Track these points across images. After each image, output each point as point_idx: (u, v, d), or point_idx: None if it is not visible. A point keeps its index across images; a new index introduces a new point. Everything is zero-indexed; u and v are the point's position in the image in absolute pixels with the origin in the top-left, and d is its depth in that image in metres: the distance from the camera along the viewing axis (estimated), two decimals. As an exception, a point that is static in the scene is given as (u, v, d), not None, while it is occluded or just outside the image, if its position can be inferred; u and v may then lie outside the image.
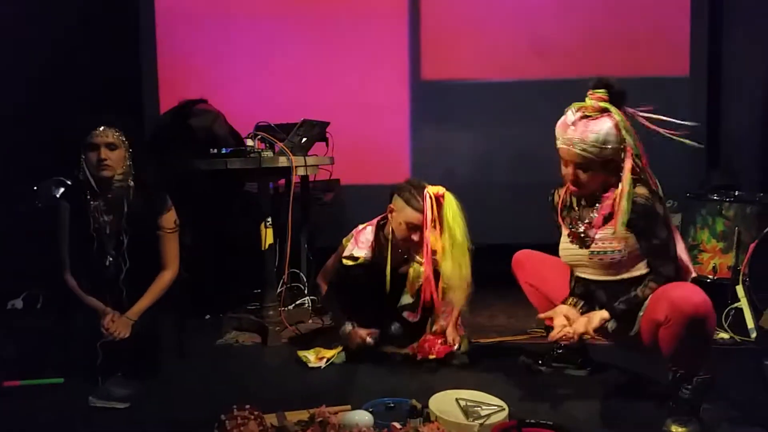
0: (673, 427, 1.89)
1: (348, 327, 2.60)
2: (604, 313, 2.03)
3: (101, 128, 2.37)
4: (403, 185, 2.57)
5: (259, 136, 2.99)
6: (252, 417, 1.77)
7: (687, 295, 1.84)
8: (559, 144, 2.05)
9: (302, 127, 3.09)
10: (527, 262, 2.46)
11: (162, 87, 4.58)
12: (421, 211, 2.46)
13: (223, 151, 2.96)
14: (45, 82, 3.86)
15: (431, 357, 2.49)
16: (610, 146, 1.98)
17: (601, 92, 2.01)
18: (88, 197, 2.42)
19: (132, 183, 2.44)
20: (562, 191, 2.25)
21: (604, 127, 1.98)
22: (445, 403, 2.03)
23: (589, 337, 2.06)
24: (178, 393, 2.32)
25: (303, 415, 1.90)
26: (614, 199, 2.02)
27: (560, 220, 2.23)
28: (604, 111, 2.00)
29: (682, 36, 4.57)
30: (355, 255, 2.58)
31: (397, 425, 1.84)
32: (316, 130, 3.24)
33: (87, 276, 2.46)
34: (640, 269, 2.06)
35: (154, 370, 2.40)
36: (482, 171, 4.60)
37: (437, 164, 4.60)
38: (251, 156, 2.89)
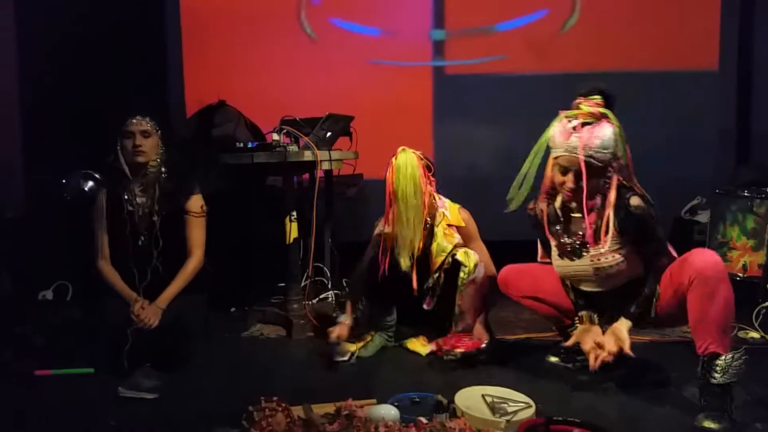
0: (706, 423, 1.86)
1: (342, 318, 2.64)
2: (626, 324, 2.07)
3: (137, 117, 2.50)
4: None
5: (285, 131, 3.00)
6: (279, 409, 1.79)
7: (704, 257, 1.96)
8: (560, 152, 2.08)
9: (327, 122, 3.09)
10: (513, 279, 2.46)
11: (187, 83, 4.61)
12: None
13: (249, 145, 2.97)
14: (74, 81, 3.93)
15: (457, 351, 2.45)
16: (610, 150, 2.04)
17: (597, 98, 2.06)
18: (123, 182, 2.53)
19: (164, 169, 2.55)
20: (542, 204, 2.26)
21: (607, 132, 2.03)
22: (471, 398, 2.02)
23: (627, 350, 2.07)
24: (206, 384, 2.35)
25: (329, 407, 1.91)
26: (602, 210, 2.09)
27: (549, 235, 2.25)
28: (602, 116, 2.04)
29: (712, 29, 4.49)
30: (387, 232, 2.58)
31: (423, 420, 1.83)
32: (341, 125, 3.25)
33: (121, 256, 2.54)
34: (639, 269, 2.12)
35: (181, 361, 2.43)
36: (505, 166, 4.51)
37: (460, 159, 4.59)
38: (277, 150, 2.89)
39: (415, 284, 2.57)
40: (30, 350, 2.58)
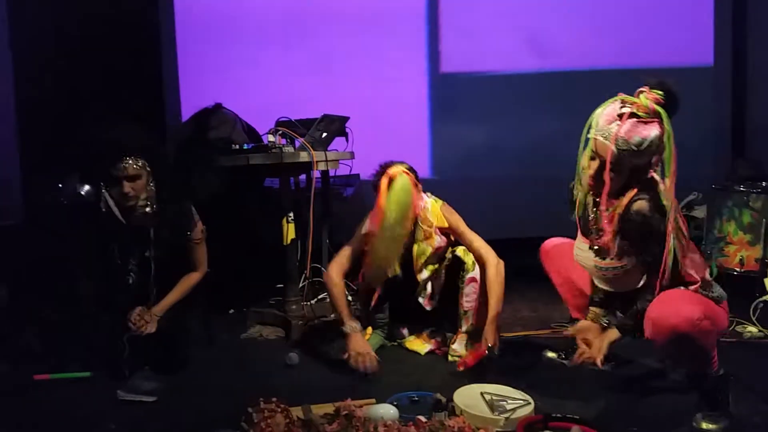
0: (704, 424, 1.85)
1: (350, 327, 2.44)
2: (613, 335, 2.03)
3: (121, 162, 2.32)
4: (377, 171, 2.51)
5: (280, 132, 3.00)
6: (279, 410, 1.79)
7: (665, 315, 1.78)
8: (596, 134, 1.91)
9: (322, 122, 3.10)
10: (553, 251, 2.44)
11: (183, 85, 4.62)
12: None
13: (245, 146, 2.97)
14: (70, 85, 3.94)
15: (461, 369, 2.35)
16: (648, 154, 1.89)
17: (659, 94, 1.86)
18: (112, 224, 2.43)
19: (155, 206, 2.43)
20: (579, 187, 2.17)
21: (652, 133, 1.85)
22: (470, 397, 2.03)
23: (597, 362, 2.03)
24: (205, 386, 2.34)
25: (328, 408, 1.92)
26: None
27: (576, 218, 2.19)
28: (655, 115, 1.86)
29: (706, 24, 4.50)
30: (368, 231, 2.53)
31: (422, 419, 1.84)
32: (336, 125, 3.25)
33: (108, 293, 2.48)
34: (640, 281, 2.04)
35: (180, 363, 2.44)
36: (502, 164, 4.57)
37: (457, 157, 4.60)
38: (272, 151, 2.89)
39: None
40: (28, 355, 2.57)
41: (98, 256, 2.46)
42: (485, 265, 2.48)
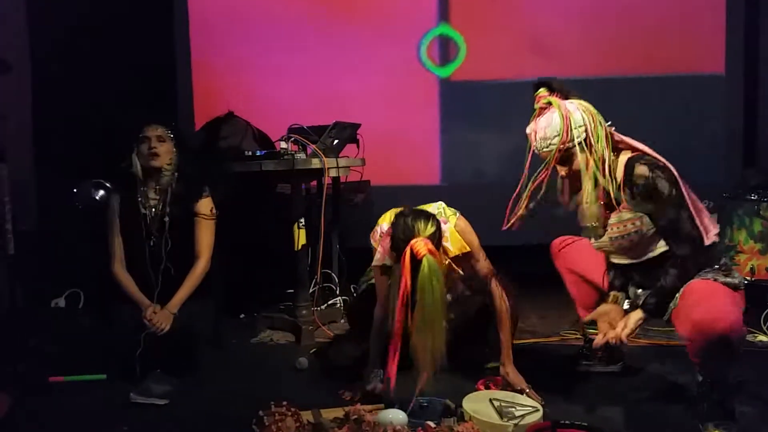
0: None
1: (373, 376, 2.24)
2: (638, 314, 2.00)
3: (152, 124, 2.62)
4: (396, 227, 2.06)
5: (292, 139, 3.03)
6: (289, 413, 1.82)
7: (711, 318, 1.78)
8: (538, 152, 2.13)
9: (334, 129, 3.13)
10: (564, 249, 2.45)
11: (196, 93, 4.68)
12: (399, 264, 1.99)
13: (258, 153, 3.01)
14: (85, 93, 4.00)
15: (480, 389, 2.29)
16: (574, 129, 2.02)
17: (541, 91, 2.11)
18: (137, 185, 2.62)
19: (176, 174, 2.64)
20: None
21: (553, 116, 2.04)
22: (479, 402, 2.04)
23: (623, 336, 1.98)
24: (216, 389, 2.37)
25: (338, 412, 1.94)
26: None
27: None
28: (547, 105, 2.08)
29: (718, 31, 4.49)
30: (388, 264, 2.23)
31: (431, 424, 1.85)
32: (348, 132, 3.28)
33: (135, 258, 2.61)
34: (663, 245, 2.03)
35: (192, 367, 2.47)
36: (512, 171, 4.54)
37: (467, 164, 4.62)
38: (285, 158, 2.93)
39: None
40: (43, 357, 2.61)
41: (127, 222, 2.62)
42: (490, 292, 2.31)
